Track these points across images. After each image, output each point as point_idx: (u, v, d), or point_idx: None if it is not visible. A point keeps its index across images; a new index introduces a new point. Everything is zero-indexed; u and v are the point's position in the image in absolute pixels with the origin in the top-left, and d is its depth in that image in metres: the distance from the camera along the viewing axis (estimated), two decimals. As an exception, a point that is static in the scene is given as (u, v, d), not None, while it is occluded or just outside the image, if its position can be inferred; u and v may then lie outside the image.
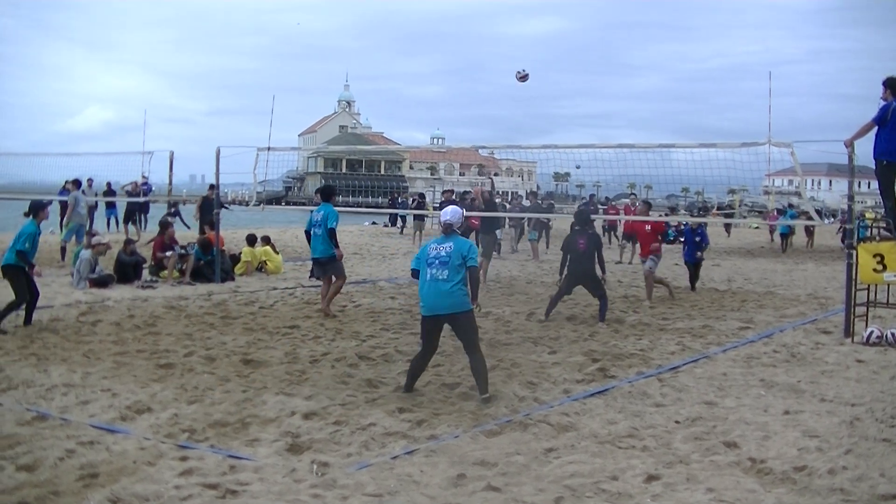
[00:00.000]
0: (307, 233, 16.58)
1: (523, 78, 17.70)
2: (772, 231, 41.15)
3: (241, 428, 7.68)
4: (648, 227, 17.17)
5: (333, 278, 14.80)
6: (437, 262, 8.95)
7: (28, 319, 12.49)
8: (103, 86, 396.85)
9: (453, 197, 27.59)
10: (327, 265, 14.79)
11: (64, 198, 24.43)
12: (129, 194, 29.72)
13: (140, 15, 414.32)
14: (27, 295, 12.47)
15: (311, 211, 15.98)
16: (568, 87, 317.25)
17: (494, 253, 26.18)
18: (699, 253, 19.17)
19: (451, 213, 9.40)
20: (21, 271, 12.44)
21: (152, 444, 7.10)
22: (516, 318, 14.59)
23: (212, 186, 22.57)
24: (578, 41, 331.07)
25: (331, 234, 14.56)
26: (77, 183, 23.72)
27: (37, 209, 12.91)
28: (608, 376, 10.18)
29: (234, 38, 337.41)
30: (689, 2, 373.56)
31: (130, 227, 29.44)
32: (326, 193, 15.48)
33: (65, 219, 23.94)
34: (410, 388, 9.21)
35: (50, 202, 12.96)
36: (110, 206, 31.70)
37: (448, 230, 9.20)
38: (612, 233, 33.60)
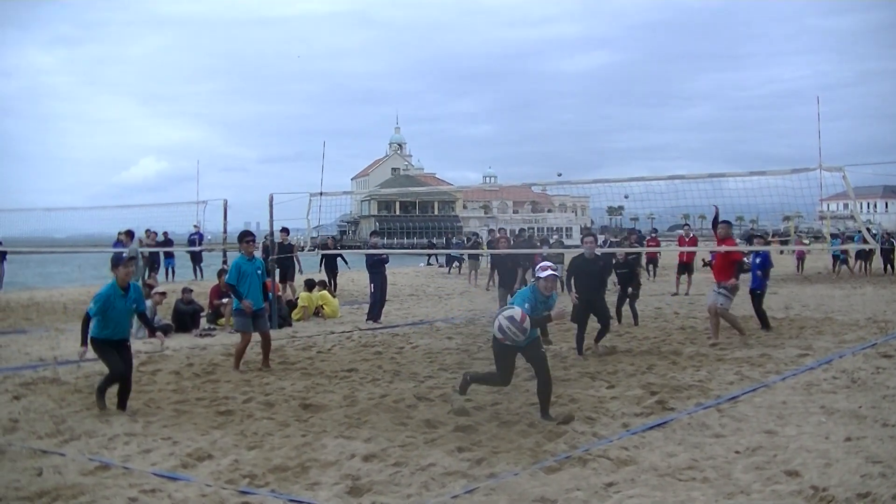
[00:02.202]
0: None
1: None
2: (799, 260, 39.30)
3: (301, 472, 7.72)
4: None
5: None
6: None
7: (121, 403, 10.36)
8: (158, 136, 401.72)
9: (508, 235, 27.36)
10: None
11: (119, 250, 24.69)
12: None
13: (192, 67, 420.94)
14: (121, 364, 10.35)
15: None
16: (620, 121, 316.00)
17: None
18: (759, 273, 17.52)
19: None
20: (103, 344, 10.38)
21: (213, 490, 7.17)
22: (573, 353, 14.58)
23: (284, 230, 22.92)
24: (629, 74, 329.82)
25: (230, 289, 13.59)
26: (130, 234, 23.98)
27: (113, 264, 10.68)
28: (667, 409, 10.12)
29: (284, 85, 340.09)
30: (739, 30, 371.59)
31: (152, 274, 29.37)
32: (237, 239, 13.95)
33: None
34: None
35: (135, 256, 12.05)
36: (168, 256, 32.15)
37: None
38: (654, 266, 33.36)
